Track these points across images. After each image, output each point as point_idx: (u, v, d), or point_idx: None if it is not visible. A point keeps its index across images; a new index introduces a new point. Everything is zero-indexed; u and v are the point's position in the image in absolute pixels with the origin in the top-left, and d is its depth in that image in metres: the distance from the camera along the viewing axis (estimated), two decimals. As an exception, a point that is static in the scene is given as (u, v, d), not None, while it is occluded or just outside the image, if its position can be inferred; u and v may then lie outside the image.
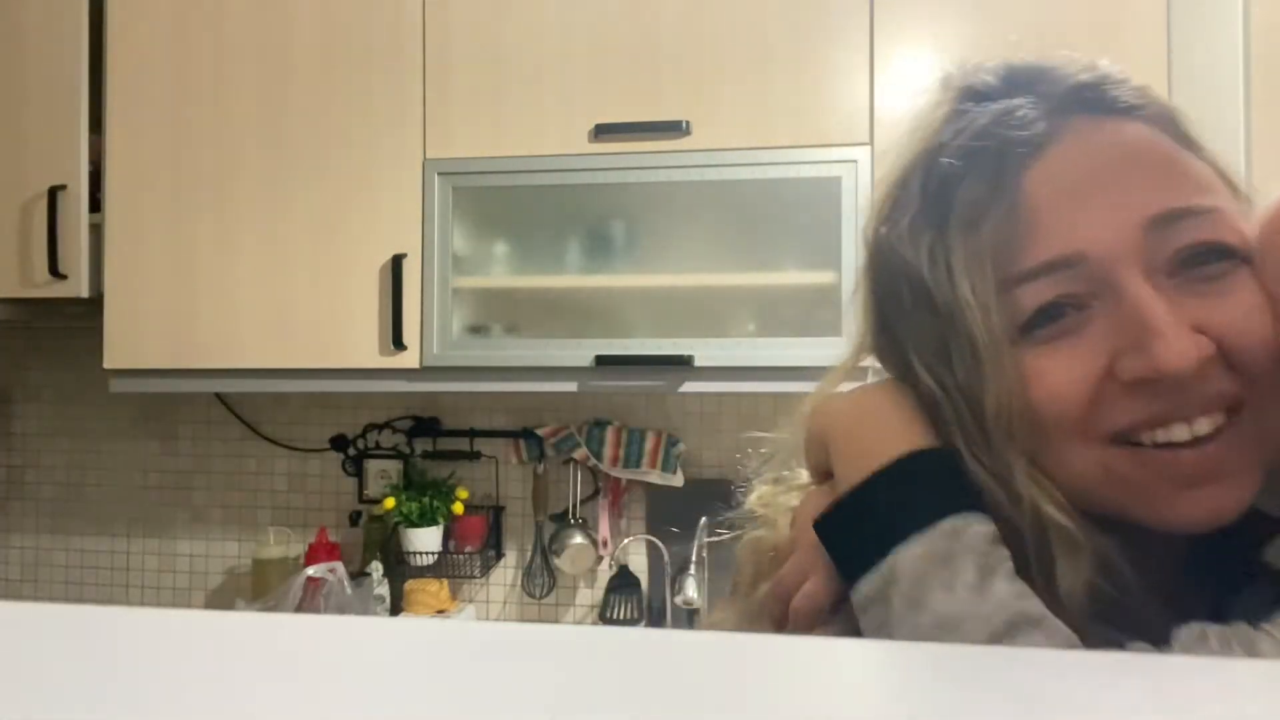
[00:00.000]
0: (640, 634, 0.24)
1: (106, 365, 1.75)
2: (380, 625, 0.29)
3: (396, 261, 1.65)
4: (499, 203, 1.69)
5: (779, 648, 0.24)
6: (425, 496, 1.90)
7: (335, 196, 1.69)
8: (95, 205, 1.77)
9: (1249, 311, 0.44)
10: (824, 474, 0.54)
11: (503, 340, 1.68)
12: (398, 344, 1.65)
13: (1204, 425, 0.43)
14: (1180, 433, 0.43)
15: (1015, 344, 0.45)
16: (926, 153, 0.50)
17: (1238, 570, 0.46)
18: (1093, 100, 0.48)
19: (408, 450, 2.03)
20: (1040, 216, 0.45)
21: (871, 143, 1.56)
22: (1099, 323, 0.45)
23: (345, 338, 1.68)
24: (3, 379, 2.24)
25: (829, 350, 1.72)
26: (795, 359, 1.56)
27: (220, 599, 2.11)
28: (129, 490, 2.17)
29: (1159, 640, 0.43)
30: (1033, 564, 0.45)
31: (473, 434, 1.99)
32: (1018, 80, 0.49)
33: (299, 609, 1.74)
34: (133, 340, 1.74)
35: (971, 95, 0.50)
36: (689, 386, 1.60)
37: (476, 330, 1.69)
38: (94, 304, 1.77)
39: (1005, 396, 0.45)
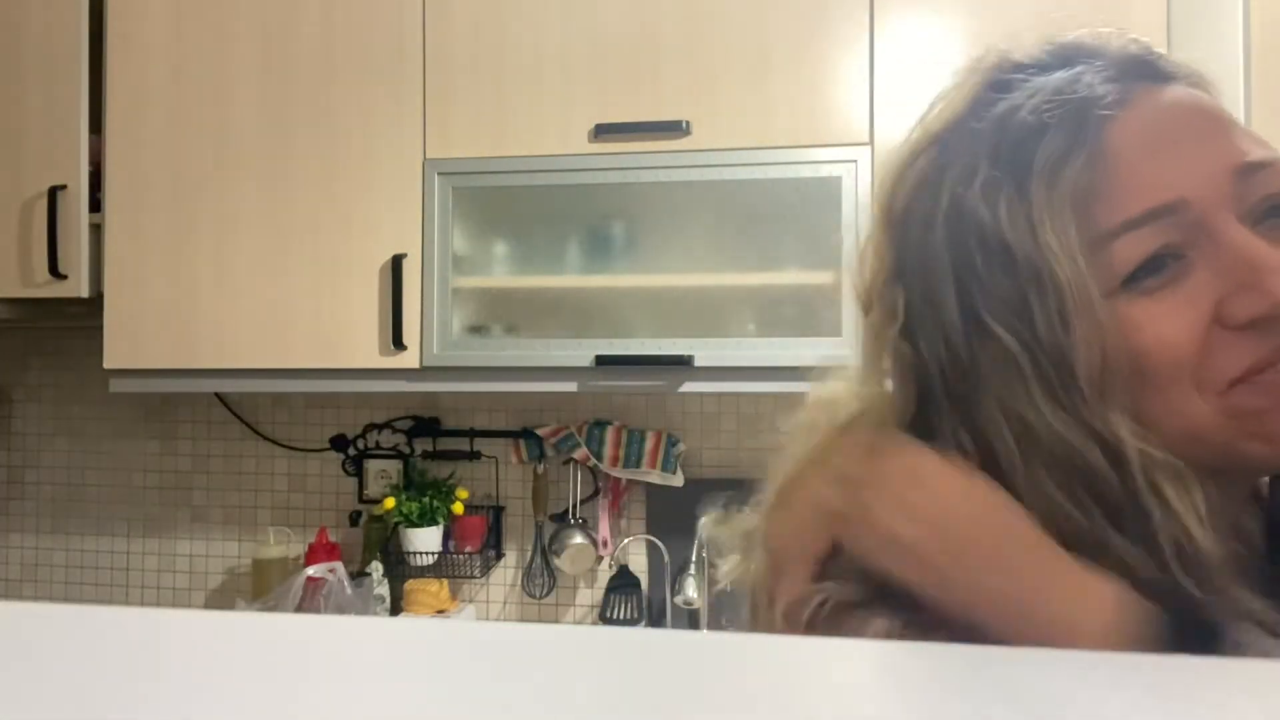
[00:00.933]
0: (640, 634, 0.24)
1: (106, 365, 1.75)
2: (380, 625, 0.29)
3: (396, 261, 1.65)
4: (499, 203, 1.69)
5: (777, 647, 0.24)
6: (425, 496, 1.90)
7: (335, 196, 1.69)
8: (95, 205, 1.77)
9: None
10: (819, 560, 0.50)
11: (503, 340, 1.68)
12: (398, 344, 1.64)
13: None
14: None
15: (1114, 296, 0.45)
16: (968, 121, 0.50)
17: None
18: (1147, 68, 0.50)
19: (408, 450, 2.03)
20: (1131, 168, 0.45)
21: (871, 143, 1.56)
22: (1200, 270, 0.45)
23: (345, 338, 1.68)
24: (3, 379, 2.24)
25: (829, 350, 1.72)
26: (795, 359, 1.56)
27: (220, 599, 2.11)
28: (129, 490, 2.17)
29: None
30: (1135, 519, 0.44)
31: (473, 434, 1.99)
32: (1068, 54, 0.52)
33: (299, 609, 1.74)
34: (133, 340, 1.74)
35: (1019, 68, 0.52)
36: (689, 386, 1.60)
37: (476, 330, 1.70)
38: (94, 304, 1.77)
39: (1102, 347, 0.44)
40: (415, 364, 1.65)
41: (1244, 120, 1.29)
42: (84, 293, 1.75)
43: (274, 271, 1.70)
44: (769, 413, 1.93)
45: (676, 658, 0.23)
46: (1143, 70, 0.50)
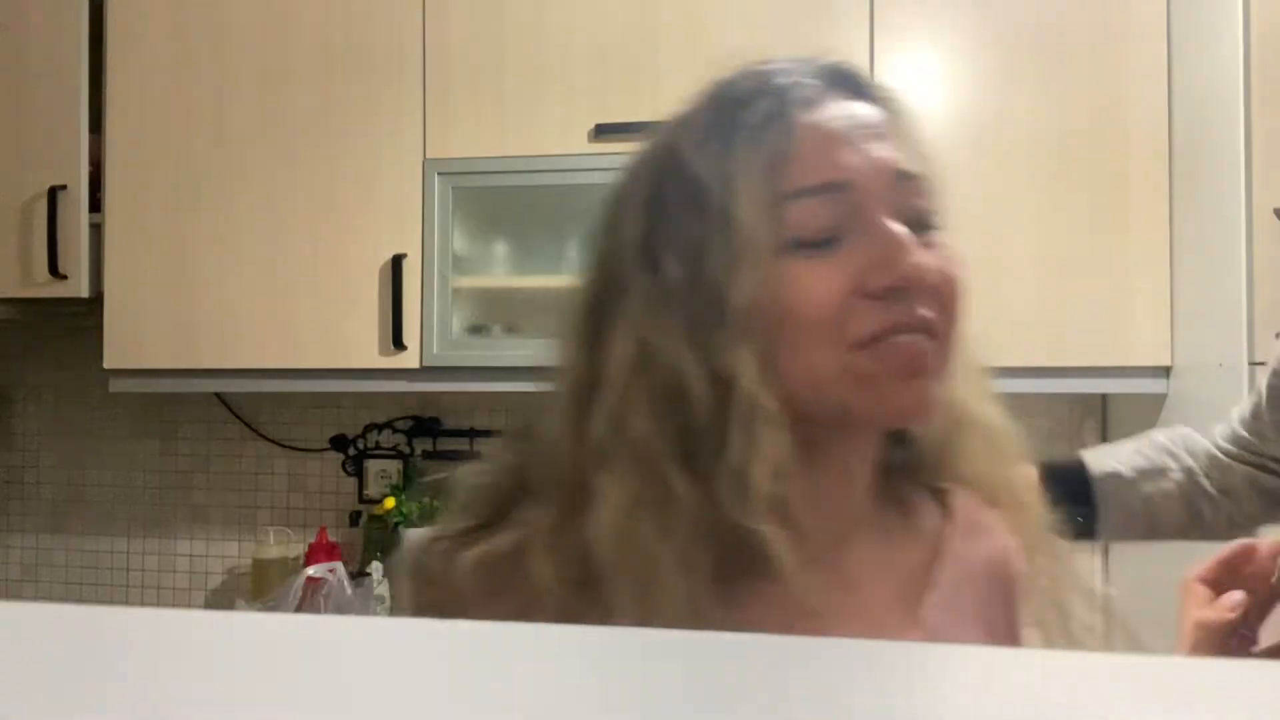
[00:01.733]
0: (640, 633, 0.24)
1: (106, 365, 1.75)
2: (380, 625, 0.29)
3: (396, 261, 1.65)
4: (499, 203, 1.69)
5: (774, 647, 0.24)
6: (425, 496, 1.90)
7: (335, 196, 1.69)
8: (95, 205, 1.77)
9: (947, 263, 0.56)
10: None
11: (503, 340, 1.68)
12: (398, 344, 1.64)
13: (921, 337, 0.53)
14: (905, 338, 0.52)
15: (781, 254, 0.52)
16: (710, 100, 0.58)
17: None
18: (849, 81, 0.58)
19: (408, 450, 2.03)
20: (814, 146, 0.53)
21: (871, 143, 1.56)
22: (850, 246, 0.52)
23: (345, 338, 1.68)
24: (3, 379, 2.24)
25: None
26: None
27: (220, 599, 2.11)
28: (129, 490, 2.17)
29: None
30: (709, 453, 0.51)
31: (473, 434, 1.99)
32: (781, 63, 0.58)
33: (299, 609, 1.74)
34: (133, 340, 1.74)
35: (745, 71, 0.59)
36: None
37: (476, 330, 1.69)
38: (94, 304, 1.77)
39: (756, 295, 0.51)
40: (415, 364, 1.65)
41: (1243, 124, 1.30)
42: (84, 293, 1.75)
43: (274, 271, 1.70)
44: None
45: (677, 657, 0.23)
46: (844, 82, 0.57)
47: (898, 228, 0.53)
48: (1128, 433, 1.74)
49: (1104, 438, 1.85)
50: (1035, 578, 0.62)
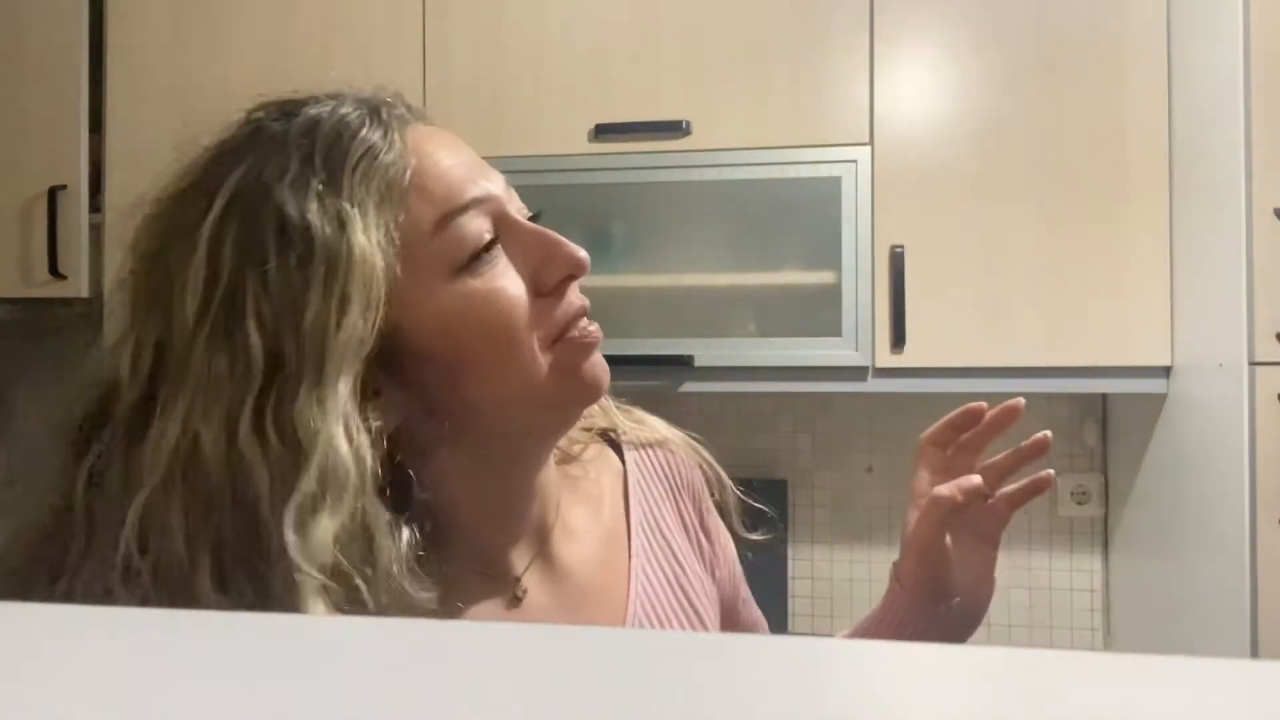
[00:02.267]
0: (640, 634, 0.24)
1: (106, 365, 1.75)
2: (380, 625, 0.29)
3: (396, 261, 1.65)
4: (499, 203, 1.69)
5: (772, 648, 0.24)
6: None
7: (335, 196, 1.69)
8: (95, 205, 1.77)
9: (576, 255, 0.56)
10: None
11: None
12: (398, 344, 1.64)
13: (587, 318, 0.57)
14: (585, 320, 0.57)
15: (456, 277, 0.52)
16: (286, 139, 0.53)
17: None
18: (399, 107, 0.59)
19: (408, 450, 2.03)
20: (443, 170, 0.54)
21: (871, 143, 1.56)
22: (509, 253, 0.55)
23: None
24: (3, 379, 2.24)
25: (829, 350, 1.72)
26: (795, 359, 1.56)
27: (220, 599, 2.11)
28: (129, 490, 2.17)
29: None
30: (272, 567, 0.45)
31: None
32: (330, 95, 0.59)
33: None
34: (133, 340, 1.74)
35: (288, 104, 0.59)
36: (689, 386, 1.60)
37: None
38: (94, 304, 1.77)
39: (398, 324, 0.50)
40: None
41: (1243, 124, 1.29)
42: (84, 293, 1.75)
43: (274, 271, 1.70)
44: (769, 413, 1.93)
45: (677, 657, 0.23)
46: (396, 109, 0.58)
47: (542, 229, 0.57)
48: (1128, 432, 1.75)
49: (1104, 438, 1.86)
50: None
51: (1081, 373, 1.53)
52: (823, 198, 1.57)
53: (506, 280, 0.54)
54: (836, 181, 1.56)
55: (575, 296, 0.57)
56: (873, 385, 1.56)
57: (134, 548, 0.44)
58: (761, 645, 0.24)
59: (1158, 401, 1.55)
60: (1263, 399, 1.26)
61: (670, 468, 0.73)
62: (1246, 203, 1.28)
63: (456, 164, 0.55)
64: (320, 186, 0.50)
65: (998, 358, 1.54)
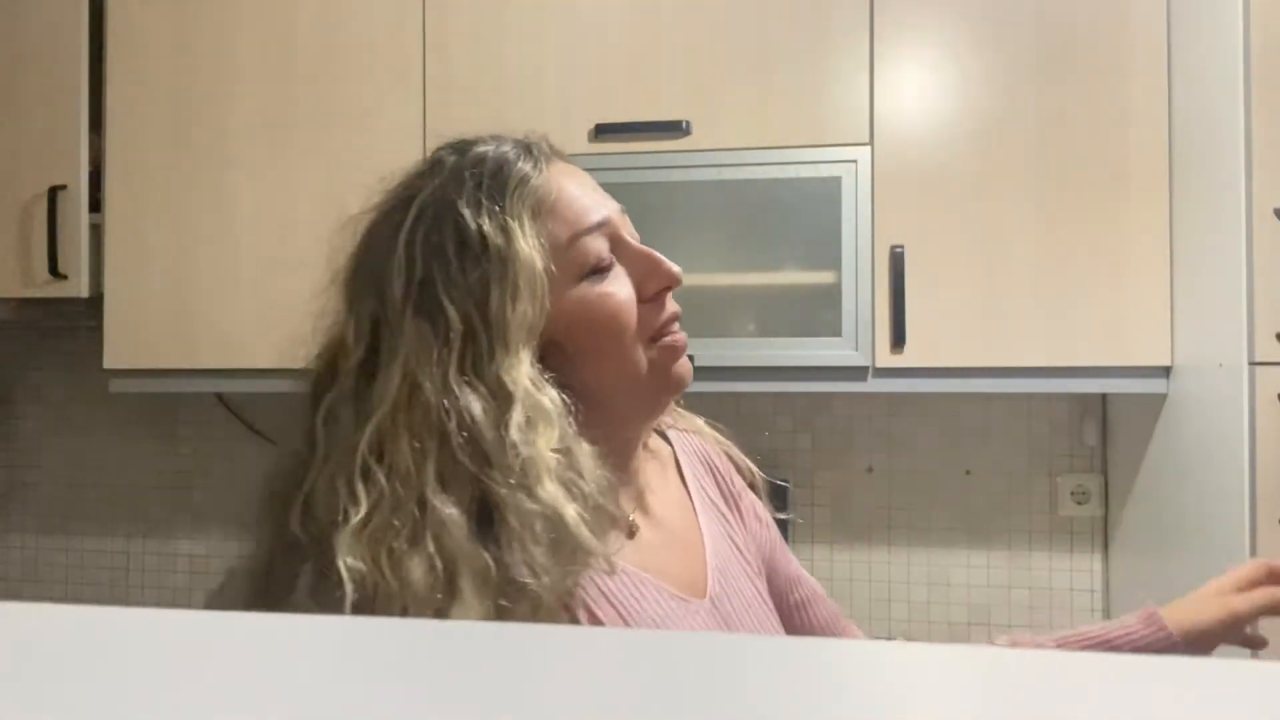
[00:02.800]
0: (640, 634, 0.24)
1: (106, 365, 1.75)
2: (380, 625, 0.29)
3: (396, 261, 1.65)
4: (499, 203, 1.69)
5: (772, 648, 0.24)
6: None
7: (335, 197, 1.69)
8: (95, 205, 1.77)
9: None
10: None
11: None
12: (398, 344, 1.64)
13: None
14: (677, 323, 0.73)
15: (580, 283, 0.68)
16: (463, 166, 0.70)
17: None
18: (545, 147, 0.73)
19: (408, 450, 2.03)
20: (573, 199, 0.69)
21: (871, 143, 1.56)
22: (621, 266, 0.71)
23: (345, 338, 1.68)
24: (3, 379, 2.24)
25: (829, 350, 1.72)
26: (795, 359, 1.56)
27: (220, 599, 2.11)
28: (129, 490, 2.17)
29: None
30: (498, 452, 0.60)
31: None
32: (494, 137, 0.74)
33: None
34: (133, 340, 1.74)
35: (464, 142, 0.74)
36: (689, 386, 1.60)
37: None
38: (94, 304, 1.77)
39: (550, 316, 0.66)
40: (415, 364, 1.65)
41: (1243, 124, 1.29)
42: (84, 293, 1.75)
43: (274, 271, 1.70)
44: (769, 413, 1.93)
45: (678, 657, 0.23)
46: (548, 146, 0.74)
47: (648, 248, 0.72)
48: (1128, 432, 1.75)
49: (1104, 438, 1.86)
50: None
51: (1081, 373, 1.53)
52: (823, 198, 1.57)
53: (617, 288, 0.69)
54: (836, 181, 1.56)
55: (670, 305, 0.73)
56: (873, 385, 1.56)
57: (370, 457, 0.60)
58: (762, 645, 0.24)
59: (1158, 401, 1.55)
60: (1263, 399, 1.26)
61: (702, 450, 0.91)
62: (1246, 203, 1.28)
63: (583, 194, 0.71)
64: (489, 204, 0.66)
65: (998, 358, 1.54)
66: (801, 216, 1.58)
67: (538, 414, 0.61)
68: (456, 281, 0.64)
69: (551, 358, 0.67)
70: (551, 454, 0.61)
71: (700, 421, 0.94)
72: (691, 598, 0.73)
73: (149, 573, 2.15)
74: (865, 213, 1.55)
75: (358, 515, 0.58)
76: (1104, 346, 1.52)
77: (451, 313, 0.63)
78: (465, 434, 0.60)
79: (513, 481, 0.59)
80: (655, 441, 0.86)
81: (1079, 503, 1.85)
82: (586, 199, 0.70)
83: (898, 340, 1.54)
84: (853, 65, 1.58)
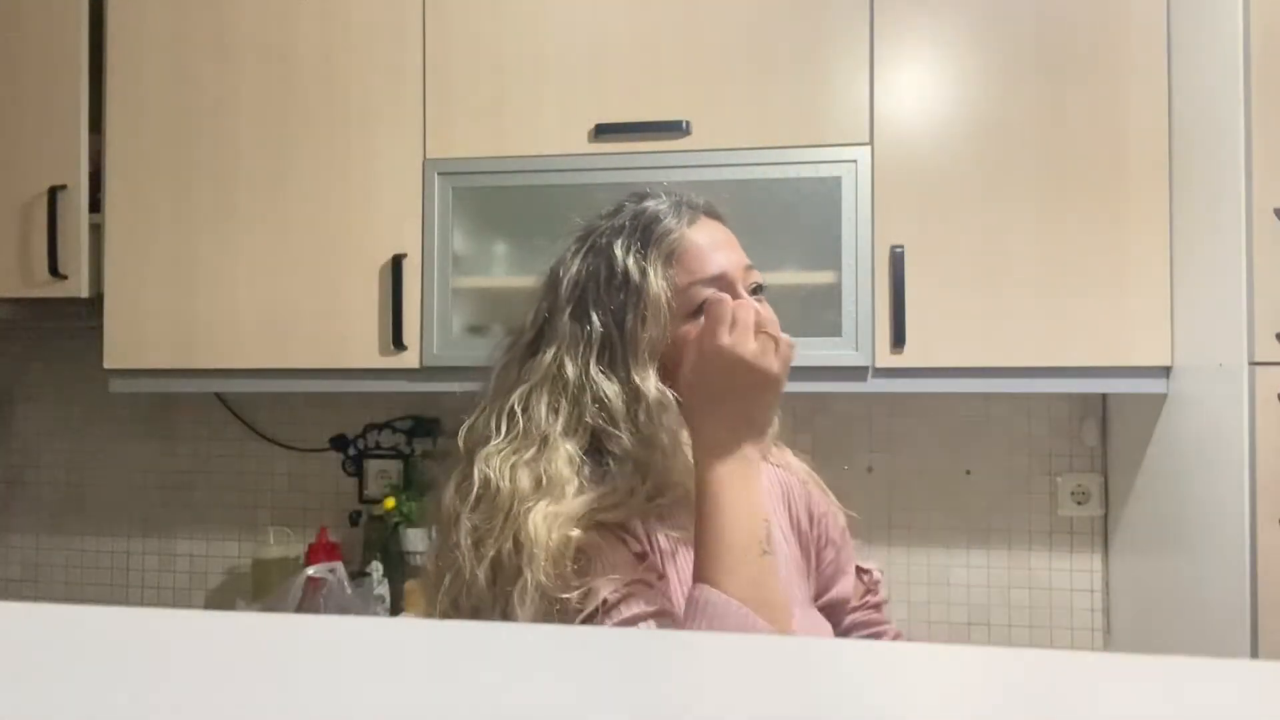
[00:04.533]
0: (640, 635, 0.24)
1: (106, 365, 1.75)
2: (380, 625, 0.29)
3: (396, 261, 1.65)
4: (499, 203, 1.69)
5: (772, 648, 0.24)
6: (425, 496, 1.90)
7: (335, 196, 1.69)
8: (95, 205, 1.77)
9: (773, 315, 0.88)
10: None
11: (503, 340, 1.68)
12: (398, 344, 1.64)
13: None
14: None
15: (690, 317, 0.87)
16: (624, 217, 0.93)
17: None
18: (703, 205, 0.94)
19: (408, 450, 2.03)
20: (700, 251, 0.89)
21: (871, 143, 1.56)
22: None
23: (345, 338, 1.68)
24: (3, 379, 2.24)
25: (829, 350, 1.71)
26: (795, 359, 1.56)
27: (220, 599, 2.11)
28: (129, 490, 2.17)
29: None
30: (637, 430, 0.85)
31: (473, 434, 1.99)
32: (664, 194, 0.95)
33: (299, 609, 1.74)
34: (133, 340, 1.74)
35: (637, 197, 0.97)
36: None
37: (476, 330, 1.69)
38: (94, 304, 1.77)
39: (665, 339, 0.87)
40: (415, 364, 1.66)
41: (1243, 124, 1.30)
42: (84, 293, 1.75)
43: (274, 271, 1.70)
44: (769, 413, 1.93)
45: (677, 658, 0.23)
46: (699, 205, 0.94)
47: (749, 299, 0.89)
48: (1128, 432, 1.75)
49: (1104, 438, 1.86)
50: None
51: (1081, 373, 1.53)
52: (823, 198, 1.57)
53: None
54: (836, 181, 1.56)
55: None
56: (873, 385, 1.56)
57: (518, 407, 0.87)
58: (762, 645, 0.24)
59: (1158, 401, 1.55)
60: (1263, 399, 1.26)
61: (785, 482, 1.06)
62: (1246, 203, 1.28)
63: (708, 248, 0.90)
64: (636, 248, 0.88)
65: (998, 358, 1.54)
66: (801, 216, 1.58)
67: (656, 408, 0.84)
68: (603, 300, 0.87)
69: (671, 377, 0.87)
70: (662, 433, 0.84)
71: (790, 455, 1.11)
72: None
73: (149, 573, 2.15)
74: (865, 213, 1.55)
75: (497, 440, 0.85)
76: (1104, 346, 1.52)
77: (596, 320, 0.87)
78: (598, 405, 0.85)
79: (630, 432, 0.84)
80: None
81: (1079, 503, 1.85)
82: (707, 253, 0.89)
83: (898, 340, 1.54)
84: (853, 65, 1.58)
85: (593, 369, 0.85)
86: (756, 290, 0.92)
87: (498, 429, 0.86)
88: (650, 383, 0.84)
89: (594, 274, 0.89)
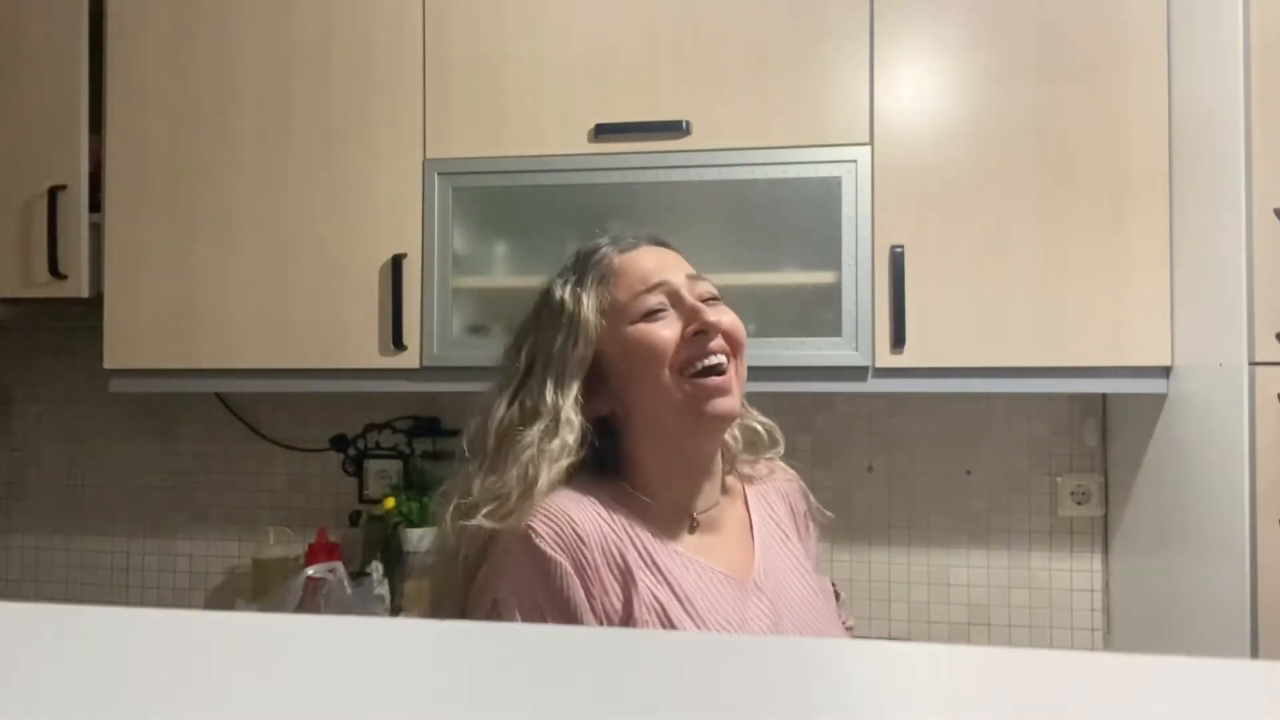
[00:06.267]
0: (640, 634, 0.24)
1: (106, 365, 1.75)
2: (380, 625, 0.29)
3: (396, 261, 1.65)
4: (499, 203, 1.69)
5: (772, 648, 0.24)
6: (425, 496, 1.90)
7: (335, 196, 1.69)
8: (95, 205, 1.77)
9: (733, 319, 0.96)
10: None
11: (503, 340, 1.68)
12: (398, 344, 1.64)
13: (721, 359, 0.93)
14: (714, 359, 0.93)
15: (634, 324, 0.94)
16: (571, 265, 1.01)
17: None
18: (651, 236, 1.03)
19: (408, 450, 2.03)
20: (636, 267, 0.97)
21: (871, 143, 1.56)
22: (674, 314, 0.95)
23: (345, 338, 1.68)
24: (3, 379, 2.24)
25: (829, 350, 1.71)
26: (795, 359, 1.56)
27: (220, 599, 2.11)
28: (129, 490, 2.17)
29: None
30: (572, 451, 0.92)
31: (473, 434, 1.99)
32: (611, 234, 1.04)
33: (299, 609, 1.74)
34: (133, 340, 1.74)
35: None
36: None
37: (476, 330, 1.69)
38: (94, 304, 1.77)
39: (599, 355, 0.95)
40: (415, 364, 1.65)
41: (1243, 124, 1.30)
42: (84, 293, 1.75)
43: (274, 271, 1.70)
44: (768, 412, 1.93)
45: (678, 658, 0.23)
46: (642, 235, 1.02)
47: (696, 302, 0.95)
48: (1128, 432, 1.75)
49: (1104, 438, 1.86)
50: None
51: (1081, 373, 1.53)
52: (823, 198, 1.57)
53: (661, 329, 0.93)
54: (836, 181, 1.56)
55: (712, 346, 0.93)
56: (873, 385, 1.56)
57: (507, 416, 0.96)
58: (762, 645, 0.24)
59: (1158, 401, 1.55)
60: (1263, 399, 1.26)
61: (784, 488, 1.11)
62: (1246, 203, 1.28)
63: (652, 265, 0.97)
64: (574, 278, 0.98)
65: (998, 358, 1.54)
66: (801, 216, 1.58)
67: (562, 426, 0.91)
68: (543, 335, 0.96)
69: (611, 383, 0.95)
70: (559, 445, 0.92)
71: (779, 464, 1.13)
72: (739, 579, 0.94)
73: (149, 573, 2.15)
74: (865, 213, 1.55)
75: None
76: (1104, 346, 1.52)
77: (524, 357, 0.97)
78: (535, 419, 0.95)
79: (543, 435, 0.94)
80: (730, 480, 1.06)
81: (1079, 503, 1.85)
82: (651, 268, 0.96)
83: (898, 340, 1.54)
84: (853, 65, 1.58)
85: (504, 405, 0.96)
86: (712, 299, 0.97)
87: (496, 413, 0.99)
88: (570, 405, 0.93)
89: (537, 312, 1.00)
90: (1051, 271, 1.53)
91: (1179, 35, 1.50)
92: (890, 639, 1.74)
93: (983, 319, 1.54)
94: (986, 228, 1.54)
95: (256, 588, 1.95)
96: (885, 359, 1.55)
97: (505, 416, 0.93)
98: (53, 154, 1.76)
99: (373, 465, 2.05)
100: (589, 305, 0.94)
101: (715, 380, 0.92)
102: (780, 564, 1.01)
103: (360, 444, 2.06)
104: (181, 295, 1.73)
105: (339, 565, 1.84)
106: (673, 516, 0.95)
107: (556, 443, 0.90)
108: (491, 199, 1.68)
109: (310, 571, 1.79)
